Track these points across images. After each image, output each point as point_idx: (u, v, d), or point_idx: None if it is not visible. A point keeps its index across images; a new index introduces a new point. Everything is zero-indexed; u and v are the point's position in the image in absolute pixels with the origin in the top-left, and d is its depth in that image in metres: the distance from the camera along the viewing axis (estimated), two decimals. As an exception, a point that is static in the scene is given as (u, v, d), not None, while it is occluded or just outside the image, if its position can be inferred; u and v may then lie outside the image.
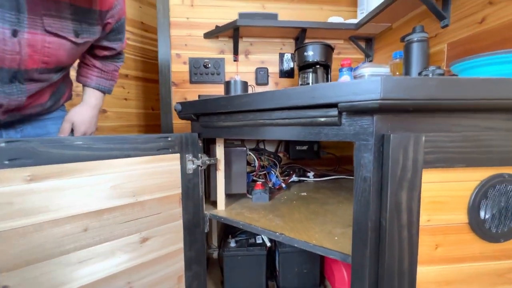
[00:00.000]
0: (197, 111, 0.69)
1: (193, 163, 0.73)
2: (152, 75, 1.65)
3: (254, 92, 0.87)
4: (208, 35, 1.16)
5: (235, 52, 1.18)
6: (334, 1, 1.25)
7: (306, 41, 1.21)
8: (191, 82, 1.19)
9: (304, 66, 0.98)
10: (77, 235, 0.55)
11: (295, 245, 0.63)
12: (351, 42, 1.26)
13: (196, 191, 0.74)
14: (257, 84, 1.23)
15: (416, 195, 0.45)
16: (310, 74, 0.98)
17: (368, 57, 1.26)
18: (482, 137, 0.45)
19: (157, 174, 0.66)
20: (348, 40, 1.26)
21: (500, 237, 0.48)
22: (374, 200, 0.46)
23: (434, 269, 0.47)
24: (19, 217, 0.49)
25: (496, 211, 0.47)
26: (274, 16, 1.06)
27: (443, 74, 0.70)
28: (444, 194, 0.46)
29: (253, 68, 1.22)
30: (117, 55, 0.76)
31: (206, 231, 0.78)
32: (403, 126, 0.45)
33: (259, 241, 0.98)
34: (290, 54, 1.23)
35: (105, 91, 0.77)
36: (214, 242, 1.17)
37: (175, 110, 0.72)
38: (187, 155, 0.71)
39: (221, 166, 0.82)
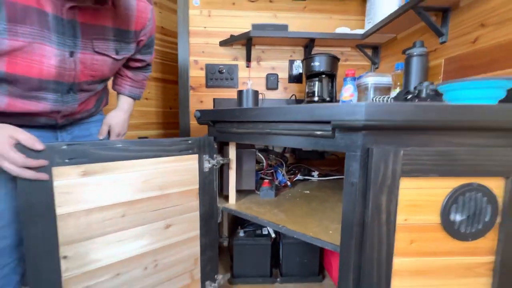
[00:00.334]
0: (213, 119, 0.80)
1: (209, 163, 0.84)
2: (171, 76, 1.77)
3: (264, 98, 0.97)
4: (223, 43, 1.26)
5: (248, 59, 1.28)
6: (343, 11, 1.31)
7: (315, 48, 1.29)
8: (207, 86, 1.30)
9: (311, 75, 1.06)
10: (116, 220, 0.68)
11: (295, 236, 0.73)
12: (358, 50, 1.32)
13: (211, 187, 0.86)
14: (267, 88, 1.32)
15: (394, 198, 0.54)
16: (316, 82, 1.06)
17: (374, 64, 1.32)
18: (454, 151, 0.53)
19: (179, 172, 0.78)
20: (355, 47, 1.32)
21: (469, 236, 0.57)
22: (359, 201, 0.56)
23: (408, 260, 0.57)
24: (74, 204, 0.62)
25: (465, 214, 0.56)
26: (284, 27, 1.14)
27: (435, 90, 0.77)
28: (420, 198, 0.55)
29: (264, 73, 1.32)
30: (146, 66, 0.88)
31: (218, 221, 0.90)
32: (386, 141, 0.54)
33: (265, 232, 1.09)
34: (299, 61, 1.31)
35: (135, 98, 0.89)
36: (225, 232, 1.29)
37: (195, 117, 0.83)
38: (204, 156, 0.83)
39: (233, 165, 0.93)
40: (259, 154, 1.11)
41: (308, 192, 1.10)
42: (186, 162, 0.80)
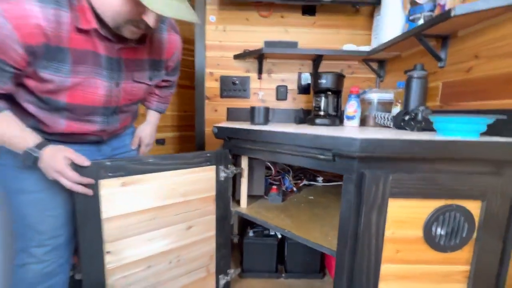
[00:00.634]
0: (229, 135, 0.91)
1: (225, 172, 0.95)
2: (186, 82, 1.88)
3: (274, 111, 1.07)
4: (237, 57, 1.36)
5: (260, 71, 1.37)
6: (350, 26, 1.37)
7: (324, 62, 1.36)
8: (221, 96, 1.41)
9: (318, 91, 1.15)
10: (148, 222, 0.81)
11: (299, 241, 0.84)
12: (365, 63, 1.39)
13: (226, 193, 0.98)
14: (277, 99, 1.42)
15: (383, 215, 0.64)
16: (323, 98, 1.15)
17: (380, 77, 1.39)
18: (436, 177, 0.62)
19: (199, 181, 0.90)
20: (362, 61, 1.39)
21: (447, 249, 0.66)
22: (354, 216, 0.66)
23: (394, 267, 0.67)
24: (116, 209, 0.74)
25: (445, 230, 0.65)
26: (294, 44, 1.22)
27: (430, 113, 0.85)
28: (405, 216, 0.65)
29: (274, 85, 1.41)
30: (172, 85, 0.99)
31: (231, 223, 1.02)
32: (377, 167, 0.64)
33: (272, 233, 1.21)
34: (307, 74, 1.40)
35: (161, 112, 1.01)
36: (235, 230, 1.42)
37: (213, 132, 0.94)
38: (220, 167, 0.94)
39: (245, 174, 1.04)
40: (268, 162, 1.22)
41: (312, 197, 1.21)
42: (205, 173, 0.91)
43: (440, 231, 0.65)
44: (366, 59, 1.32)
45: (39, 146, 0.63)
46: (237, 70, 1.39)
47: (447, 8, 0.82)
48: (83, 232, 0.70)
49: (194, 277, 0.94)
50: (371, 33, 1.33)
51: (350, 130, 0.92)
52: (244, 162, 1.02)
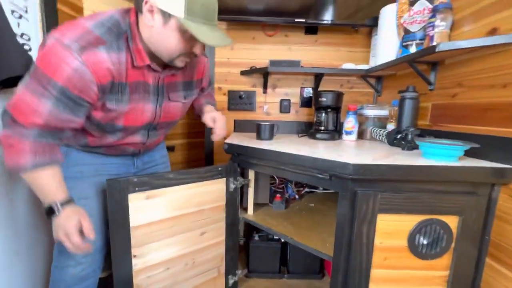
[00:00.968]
0: (238, 152, 1.01)
1: (234, 184, 1.06)
2: (194, 92, 1.98)
3: (278, 128, 1.17)
4: (244, 73, 1.46)
5: (265, 86, 1.47)
6: (350, 43, 1.46)
7: (324, 77, 1.46)
8: (229, 109, 1.51)
9: (319, 108, 1.25)
10: (167, 230, 0.92)
11: (300, 247, 0.95)
12: (363, 79, 1.48)
13: (235, 202, 1.08)
14: (281, 112, 1.52)
15: (373, 228, 0.74)
16: (323, 114, 1.25)
17: (377, 92, 1.48)
18: (419, 196, 0.73)
19: (211, 192, 1.01)
20: (360, 77, 1.48)
21: (429, 256, 0.77)
22: (347, 228, 0.76)
23: (382, 271, 0.78)
24: (141, 219, 0.86)
25: (426, 241, 0.75)
26: (297, 63, 1.32)
27: (418, 134, 0.95)
28: (392, 228, 0.75)
29: (278, 99, 1.51)
30: (208, 87, 1.05)
31: (239, 228, 1.13)
32: (368, 186, 0.74)
33: (276, 237, 1.32)
34: (310, 88, 1.50)
35: (213, 104, 1.01)
36: (241, 232, 1.53)
37: (223, 148, 1.05)
38: (230, 179, 1.05)
39: (251, 184, 1.15)
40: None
41: (312, 205, 1.31)
42: (217, 185, 1.02)
43: (422, 241, 0.75)
44: (364, 75, 1.41)
45: (63, 203, 0.68)
46: (244, 85, 1.49)
47: (435, 39, 0.91)
48: (115, 238, 0.81)
49: (206, 277, 1.06)
50: (369, 51, 1.42)
51: (347, 147, 1.02)
52: (251, 174, 1.13)
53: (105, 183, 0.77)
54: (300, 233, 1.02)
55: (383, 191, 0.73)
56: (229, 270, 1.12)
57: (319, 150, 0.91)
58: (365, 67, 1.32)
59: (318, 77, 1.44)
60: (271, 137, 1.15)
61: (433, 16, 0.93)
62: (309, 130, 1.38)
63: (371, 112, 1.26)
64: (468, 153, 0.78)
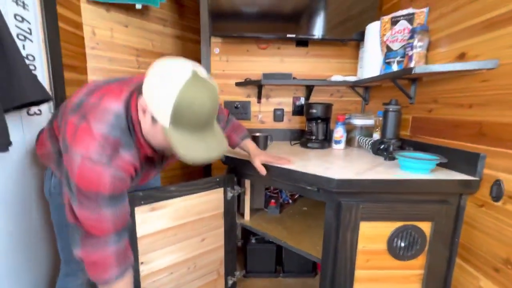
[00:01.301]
0: (234, 164, 1.09)
1: (231, 192, 1.14)
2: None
3: (271, 137, 1.25)
4: (238, 84, 1.53)
5: (259, 97, 1.55)
6: (339, 55, 1.54)
7: (315, 87, 1.54)
8: (225, 118, 1.59)
9: (310, 118, 1.34)
10: (170, 238, 1.00)
11: (293, 250, 1.04)
12: (352, 89, 1.57)
13: (232, 210, 1.17)
14: (275, 120, 1.60)
15: (356, 234, 0.83)
16: (314, 124, 1.33)
17: (365, 100, 1.57)
18: (396, 205, 0.82)
19: (210, 201, 1.09)
20: (349, 86, 1.57)
21: (405, 258, 0.86)
22: (334, 234, 0.85)
23: (365, 272, 0.87)
24: (147, 229, 0.93)
25: (403, 244, 0.85)
26: (289, 76, 1.40)
27: (400, 146, 1.05)
28: (373, 233, 0.84)
29: (272, 108, 1.59)
30: (228, 120, 1.05)
31: (237, 233, 1.22)
32: (351, 198, 0.83)
33: (271, 239, 1.41)
34: (302, 98, 1.58)
35: (248, 137, 1.04)
36: (239, 235, 1.62)
37: (221, 160, 1.13)
38: (228, 188, 1.13)
39: (247, 192, 1.23)
40: (267, 179, 1.41)
41: (305, 208, 1.40)
42: (215, 194, 1.10)
43: (400, 244, 0.85)
44: (353, 85, 1.49)
45: None
46: (239, 95, 1.57)
47: (413, 59, 1.00)
48: (123, 248, 0.89)
49: (207, 279, 1.15)
50: (357, 62, 1.51)
51: (335, 157, 1.11)
52: (247, 184, 1.21)
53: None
54: (293, 237, 1.11)
55: (364, 201, 0.82)
56: (228, 271, 1.21)
57: (309, 162, 1.00)
58: (352, 78, 1.40)
59: (309, 88, 1.52)
60: (265, 147, 1.23)
61: (412, 37, 1.02)
62: (301, 137, 1.46)
63: (358, 121, 1.35)
64: (440, 164, 0.87)
